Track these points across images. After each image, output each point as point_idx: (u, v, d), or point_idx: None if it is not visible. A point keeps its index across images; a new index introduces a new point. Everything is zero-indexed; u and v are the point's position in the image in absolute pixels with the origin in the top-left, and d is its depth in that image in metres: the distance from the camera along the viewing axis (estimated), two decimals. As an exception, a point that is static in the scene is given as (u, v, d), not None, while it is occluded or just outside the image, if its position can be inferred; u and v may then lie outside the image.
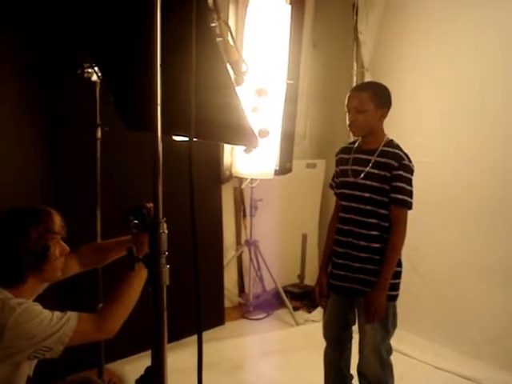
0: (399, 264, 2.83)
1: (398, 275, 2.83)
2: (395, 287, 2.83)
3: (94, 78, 2.83)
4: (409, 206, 2.73)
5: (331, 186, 3.12)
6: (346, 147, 3.00)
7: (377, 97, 2.77)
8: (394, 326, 2.87)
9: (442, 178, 4.33)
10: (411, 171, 2.73)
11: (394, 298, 2.84)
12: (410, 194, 2.72)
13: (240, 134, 1.76)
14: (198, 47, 1.37)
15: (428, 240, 4.37)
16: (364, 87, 2.95)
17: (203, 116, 1.51)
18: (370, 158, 2.80)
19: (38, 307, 1.81)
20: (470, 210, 4.17)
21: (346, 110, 2.82)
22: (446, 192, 4.32)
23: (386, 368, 2.89)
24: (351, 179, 2.85)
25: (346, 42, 5.22)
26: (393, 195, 2.72)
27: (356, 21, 4.99)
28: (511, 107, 3.93)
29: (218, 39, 2.05)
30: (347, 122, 2.82)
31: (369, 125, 2.78)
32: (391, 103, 2.82)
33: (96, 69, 2.68)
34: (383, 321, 2.80)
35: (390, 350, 2.90)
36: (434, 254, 4.41)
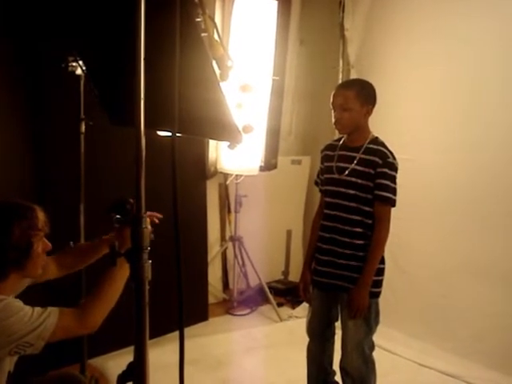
0: (382, 261, 2.84)
1: (380, 272, 2.85)
2: (378, 284, 2.85)
3: (79, 71, 2.81)
4: (392, 203, 2.75)
5: (316, 183, 3.12)
6: (331, 144, 3.01)
7: (362, 94, 2.77)
8: (377, 322, 2.89)
9: (426, 175, 4.36)
10: (395, 169, 2.74)
11: (377, 294, 2.86)
12: (393, 191, 2.74)
13: (224, 130, 1.76)
14: (183, 42, 1.36)
15: (412, 237, 4.40)
16: (349, 85, 2.96)
17: (187, 111, 1.50)
18: (354, 155, 2.80)
19: (19, 303, 1.79)
20: (454, 207, 4.19)
21: (331, 107, 2.82)
22: (430, 189, 4.35)
23: (369, 364, 2.91)
24: (336, 176, 2.86)
25: (332, 38, 5.23)
26: (377, 192, 2.73)
27: (342, 18, 5.00)
28: (498, 105, 3.96)
29: (203, 34, 2.04)
30: (333, 120, 2.82)
31: (354, 122, 2.79)
32: (376, 100, 2.82)
33: (80, 62, 2.66)
34: (366, 317, 2.81)
35: (372, 347, 2.92)
36: (418, 251, 4.43)
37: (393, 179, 2.73)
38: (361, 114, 2.78)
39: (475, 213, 4.07)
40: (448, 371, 3.83)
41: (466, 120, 4.13)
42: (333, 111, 2.81)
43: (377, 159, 2.73)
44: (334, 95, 2.81)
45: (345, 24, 4.99)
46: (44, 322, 1.76)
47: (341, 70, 5.15)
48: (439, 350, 4.07)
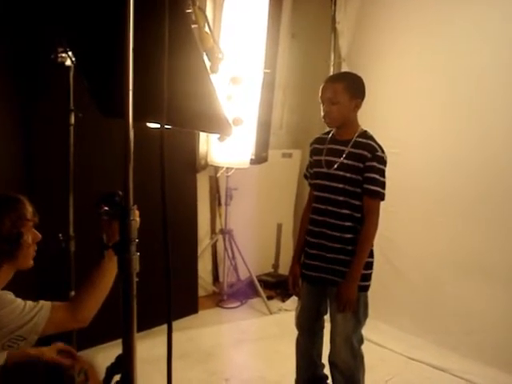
0: (371, 255, 2.85)
1: (369, 266, 2.85)
2: (367, 278, 2.85)
3: (68, 62, 2.79)
4: (381, 196, 2.75)
5: (305, 176, 3.12)
6: (320, 137, 3.00)
7: (351, 88, 2.77)
8: (366, 315, 2.90)
9: (416, 169, 4.37)
10: (384, 162, 2.75)
11: (366, 288, 2.86)
12: (382, 185, 2.74)
13: (214, 122, 1.75)
14: (172, 33, 1.36)
15: (402, 231, 4.41)
16: (338, 78, 2.95)
17: (176, 103, 1.50)
18: (343, 148, 2.80)
19: (11, 296, 1.79)
20: (444, 201, 4.21)
21: (319, 101, 2.82)
22: (420, 183, 4.35)
23: (358, 357, 2.92)
24: (325, 170, 2.86)
25: (324, 32, 5.21)
26: (366, 186, 2.73)
27: (334, 11, 4.99)
28: (485, 101, 3.97)
29: (194, 26, 2.04)
30: (321, 113, 2.82)
31: (343, 116, 2.78)
32: (365, 94, 2.82)
33: (70, 53, 2.64)
34: (355, 311, 2.82)
35: (361, 340, 2.93)
36: (408, 245, 4.45)
37: (381, 173, 2.73)
38: (350, 108, 2.78)
39: (465, 208, 4.09)
40: (436, 364, 3.85)
41: (457, 114, 4.14)
42: (321, 105, 2.81)
43: (365, 153, 2.73)
44: (322, 88, 2.81)
45: (336, 17, 4.98)
46: (36, 315, 1.76)
47: (332, 63, 5.14)
48: (428, 344, 4.10)
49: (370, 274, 2.88)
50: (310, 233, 2.96)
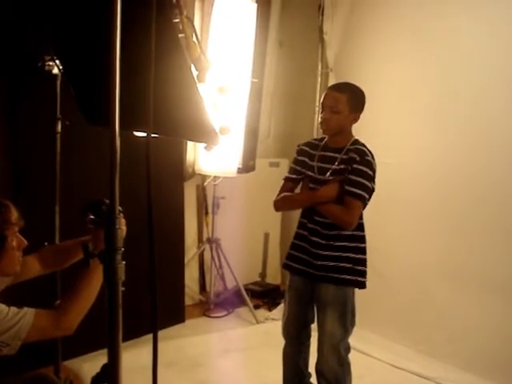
0: (363, 251, 2.90)
1: (363, 263, 2.90)
2: (362, 274, 2.89)
3: (55, 71, 2.79)
4: (363, 200, 2.75)
5: (291, 171, 3.09)
6: (312, 143, 3.01)
7: (353, 101, 2.80)
8: (353, 324, 2.91)
9: (404, 179, 4.38)
10: (373, 169, 2.76)
11: (362, 284, 2.90)
12: (366, 189, 2.74)
13: (200, 131, 1.75)
14: (159, 43, 1.36)
15: (389, 241, 4.41)
16: (343, 88, 2.90)
17: (163, 112, 1.49)
18: (336, 155, 2.83)
19: None
20: (431, 211, 4.22)
21: (319, 106, 2.85)
22: (407, 193, 4.37)
23: (345, 366, 2.92)
24: (318, 176, 2.88)
25: (311, 42, 5.24)
26: (347, 188, 2.74)
27: (321, 21, 5.02)
28: (476, 110, 3.99)
29: (181, 35, 2.04)
30: (319, 119, 2.85)
31: (340, 125, 2.82)
32: (364, 108, 2.85)
33: (57, 62, 2.64)
34: (342, 319, 2.83)
35: (348, 349, 2.93)
36: (396, 255, 4.45)
37: (368, 177, 2.74)
38: (348, 119, 2.82)
39: (454, 219, 4.11)
40: (422, 373, 3.85)
41: (444, 123, 4.16)
42: (321, 111, 2.83)
43: (354, 155, 2.76)
44: (325, 95, 2.84)
45: (324, 27, 5.00)
46: (20, 321, 1.75)
47: (319, 73, 5.16)
48: (414, 352, 4.10)
49: (365, 272, 2.90)
50: (298, 236, 2.99)
